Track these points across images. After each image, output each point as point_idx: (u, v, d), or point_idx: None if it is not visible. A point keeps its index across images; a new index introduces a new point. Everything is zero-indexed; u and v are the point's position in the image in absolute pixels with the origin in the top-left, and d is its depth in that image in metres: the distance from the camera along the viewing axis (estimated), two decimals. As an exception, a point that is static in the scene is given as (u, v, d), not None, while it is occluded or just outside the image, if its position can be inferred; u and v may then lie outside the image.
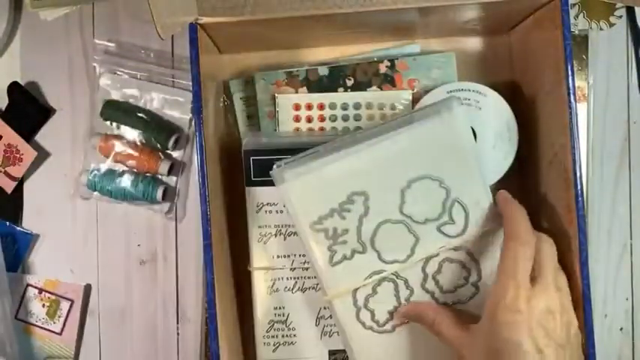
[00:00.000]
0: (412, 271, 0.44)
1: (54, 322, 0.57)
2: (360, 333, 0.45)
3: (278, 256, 0.49)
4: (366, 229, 0.43)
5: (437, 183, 0.43)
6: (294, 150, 0.44)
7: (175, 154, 0.57)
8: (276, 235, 0.48)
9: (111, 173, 0.55)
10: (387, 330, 0.45)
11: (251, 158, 0.48)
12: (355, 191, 0.43)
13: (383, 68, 0.52)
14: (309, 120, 0.52)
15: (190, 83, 0.43)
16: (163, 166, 0.55)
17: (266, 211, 0.48)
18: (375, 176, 0.43)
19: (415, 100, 0.52)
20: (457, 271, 0.44)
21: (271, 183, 0.47)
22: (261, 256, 0.49)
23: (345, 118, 0.52)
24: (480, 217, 0.44)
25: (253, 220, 0.48)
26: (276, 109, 0.52)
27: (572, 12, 0.56)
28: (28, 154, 0.56)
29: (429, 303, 0.44)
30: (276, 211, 0.48)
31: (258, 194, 0.48)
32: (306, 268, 0.48)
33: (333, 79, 0.52)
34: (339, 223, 0.43)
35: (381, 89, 0.52)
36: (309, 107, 0.52)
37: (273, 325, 0.49)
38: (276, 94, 0.52)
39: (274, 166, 0.43)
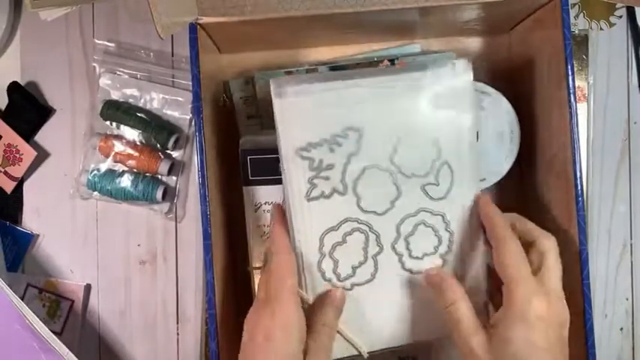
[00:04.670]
0: (386, 227, 0.42)
1: (54, 322, 0.57)
2: (316, 282, 0.42)
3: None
4: (352, 169, 0.40)
5: (430, 140, 0.41)
6: None
7: (175, 154, 0.57)
8: None
9: (111, 173, 0.55)
10: (345, 287, 0.42)
11: (248, 157, 0.47)
12: (351, 126, 0.40)
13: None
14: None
15: (190, 83, 0.43)
16: (163, 166, 0.55)
17: (264, 210, 0.48)
18: (377, 115, 0.40)
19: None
20: (429, 237, 0.42)
21: (269, 182, 0.47)
22: (261, 256, 0.49)
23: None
24: (463, 187, 0.42)
25: (252, 219, 0.48)
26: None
27: (572, 12, 0.56)
28: (28, 154, 0.56)
29: (457, 282, 0.40)
30: None
31: (256, 193, 0.48)
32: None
33: (333, 79, 0.52)
34: (327, 156, 0.40)
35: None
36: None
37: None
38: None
39: (273, 79, 0.40)
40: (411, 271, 0.43)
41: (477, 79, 0.51)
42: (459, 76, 0.41)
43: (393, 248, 0.42)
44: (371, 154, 0.40)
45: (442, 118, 0.41)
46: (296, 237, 0.41)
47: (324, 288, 0.42)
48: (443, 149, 0.41)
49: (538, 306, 0.36)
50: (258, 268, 0.49)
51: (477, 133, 0.47)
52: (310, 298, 0.42)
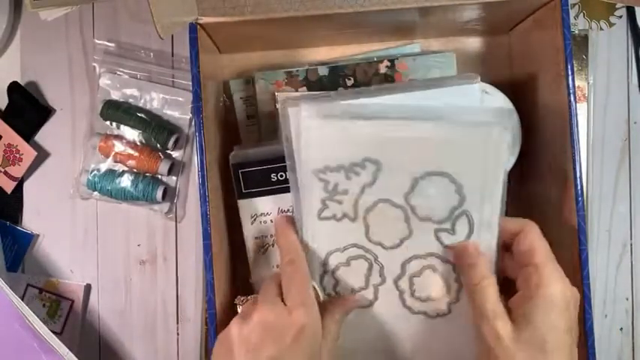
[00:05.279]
0: (392, 262, 0.41)
1: (54, 322, 0.57)
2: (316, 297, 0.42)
3: (278, 266, 0.47)
4: (365, 199, 0.40)
5: (454, 187, 0.39)
6: (283, 159, 0.43)
7: (175, 154, 0.57)
8: (273, 245, 0.48)
9: (111, 173, 0.55)
10: None
11: (239, 171, 0.47)
12: (370, 158, 0.39)
13: (383, 68, 0.52)
14: (309, 120, 0.52)
15: (190, 83, 0.43)
16: (163, 166, 0.55)
17: (261, 222, 0.48)
18: (397, 152, 0.39)
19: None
20: (436, 283, 0.41)
21: (263, 193, 0.47)
22: (262, 267, 0.48)
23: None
24: (482, 242, 0.40)
25: (249, 232, 0.48)
26: (277, 108, 0.52)
27: (572, 12, 0.56)
28: (28, 154, 0.56)
29: (487, 263, 0.39)
30: (271, 221, 0.48)
31: (251, 206, 0.47)
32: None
33: (333, 79, 0.52)
34: (342, 182, 0.40)
35: (381, 89, 0.52)
36: (309, 107, 0.52)
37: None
38: (276, 93, 0.52)
39: (303, 100, 0.40)
40: (410, 310, 0.42)
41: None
42: (496, 124, 0.38)
43: (396, 284, 0.42)
44: (385, 188, 0.40)
45: (471, 166, 0.39)
46: (302, 249, 0.41)
47: (323, 304, 0.42)
48: (466, 199, 0.39)
49: (562, 288, 0.36)
50: (259, 280, 0.48)
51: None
52: (321, 295, 0.42)
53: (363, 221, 0.41)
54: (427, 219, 0.40)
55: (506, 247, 0.40)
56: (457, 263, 0.40)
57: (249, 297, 0.45)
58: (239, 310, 0.45)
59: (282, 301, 0.39)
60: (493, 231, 0.40)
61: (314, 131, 0.39)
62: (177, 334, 0.57)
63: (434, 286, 0.41)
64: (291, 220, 0.43)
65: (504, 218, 0.40)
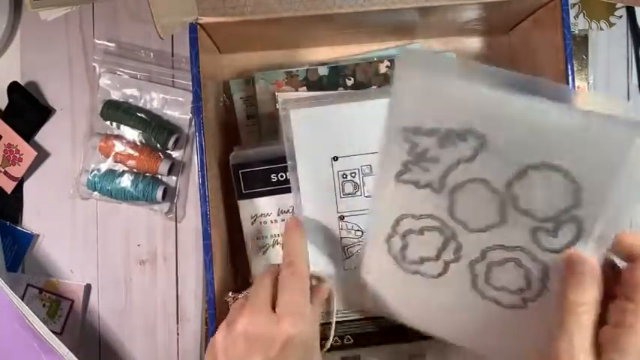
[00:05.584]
0: (472, 244, 0.37)
1: (54, 322, 0.57)
2: (381, 251, 0.40)
3: (279, 266, 0.48)
4: (457, 174, 0.34)
5: (571, 187, 0.32)
6: (283, 159, 0.43)
7: (175, 154, 0.57)
8: (273, 245, 0.48)
9: (111, 173, 0.55)
10: (407, 269, 0.40)
11: (240, 172, 0.47)
12: (475, 130, 0.32)
13: (383, 68, 0.52)
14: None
15: (190, 83, 0.44)
16: (163, 166, 0.55)
17: (261, 222, 0.48)
18: (510, 132, 0.32)
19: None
20: (518, 278, 0.36)
21: (264, 194, 0.47)
22: (262, 267, 0.48)
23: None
24: (586, 249, 0.34)
25: (249, 232, 0.48)
26: (277, 108, 0.52)
27: (572, 12, 0.56)
28: (28, 154, 0.56)
29: (598, 286, 0.32)
30: (271, 221, 0.48)
31: (251, 207, 0.48)
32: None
33: (332, 79, 0.52)
34: (434, 149, 0.34)
35: (381, 89, 0.52)
36: (309, 107, 0.52)
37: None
38: (276, 93, 0.52)
39: (401, 52, 0.34)
40: (481, 294, 0.39)
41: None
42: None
43: (471, 267, 0.38)
44: (486, 168, 0.34)
45: (600, 170, 0.32)
46: (373, 208, 0.39)
47: (385, 260, 0.40)
48: (582, 204, 0.32)
49: None
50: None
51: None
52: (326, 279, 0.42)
53: (449, 195, 0.35)
54: (527, 213, 0.34)
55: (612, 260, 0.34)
56: (565, 269, 0.34)
57: (240, 294, 0.45)
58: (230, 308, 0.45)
59: (274, 305, 0.37)
60: (603, 245, 0.34)
61: (411, 82, 0.33)
62: (177, 334, 0.57)
63: (514, 279, 0.37)
64: (302, 223, 0.41)
65: (628, 232, 0.33)
